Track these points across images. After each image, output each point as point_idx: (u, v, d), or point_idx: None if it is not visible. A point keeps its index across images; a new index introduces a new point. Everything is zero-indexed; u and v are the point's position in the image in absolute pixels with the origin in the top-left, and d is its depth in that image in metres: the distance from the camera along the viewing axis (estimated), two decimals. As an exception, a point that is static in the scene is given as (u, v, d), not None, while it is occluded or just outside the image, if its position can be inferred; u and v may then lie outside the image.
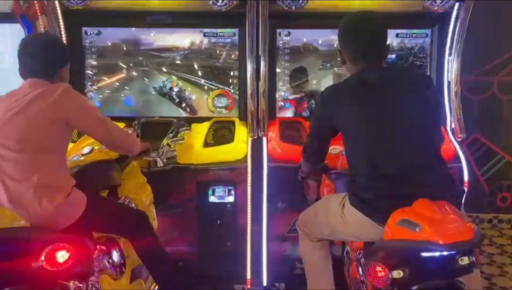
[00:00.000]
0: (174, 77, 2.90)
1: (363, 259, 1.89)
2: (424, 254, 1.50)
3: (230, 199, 2.65)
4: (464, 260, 1.50)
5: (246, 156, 2.61)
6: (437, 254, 1.48)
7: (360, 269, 1.94)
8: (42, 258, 1.49)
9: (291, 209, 2.68)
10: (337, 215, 1.87)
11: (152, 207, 2.45)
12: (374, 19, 1.82)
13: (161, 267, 2.20)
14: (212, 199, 2.65)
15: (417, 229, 1.52)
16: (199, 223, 2.69)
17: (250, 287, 2.67)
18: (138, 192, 2.36)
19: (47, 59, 1.94)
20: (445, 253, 1.48)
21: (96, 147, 2.30)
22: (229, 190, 2.64)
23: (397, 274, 1.50)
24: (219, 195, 2.64)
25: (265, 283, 2.69)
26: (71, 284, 1.59)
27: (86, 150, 2.30)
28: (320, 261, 2.12)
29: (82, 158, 2.25)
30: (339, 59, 1.95)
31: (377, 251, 1.62)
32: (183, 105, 2.91)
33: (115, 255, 2.03)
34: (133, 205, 2.28)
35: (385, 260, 1.54)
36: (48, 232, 1.64)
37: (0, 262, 1.46)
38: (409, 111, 1.74)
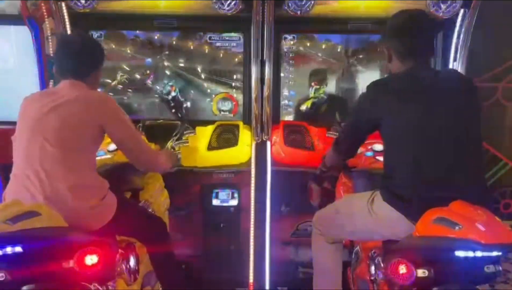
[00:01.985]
0: (174, 82, 2.91)
1: (379, 258, 1.87)
2: (459, 253, 1.46)
3: (234, 202, 2.65)
4: (490, 268, 1.48)
5: (250, 159, 2.62)
6: (477, 254, 1.45)
7: (372, 268, 1.92)
8: (74, 260, 1.50)
9: (294, 213, 2.69)
10: (364, 212, 1.86)
11: (167, 211, 2.46)
12: (426, 18, 1.84)
13: (171, 274, 2.20)
14: (216, 202, 2.65)
15: (457, 228, 1.49)
16: (203, 226, 2.70)
17: (253, 290, 2.67)
18: (157, 197, 2.38)
19: (85, 60, 1.95)
20: (485, 253, 1.45)
21: None
22: (233, 194, 2.65)
23: (422, 273, 1.48)
24: (223, 199, 2.65)
25: (267, 287, 2.69)
26: (92, 286, 1.59)
27: (112, 146, 2.31)
28: (332, 263, 2.11)
29: (109, 155, 2.26)
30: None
31: (404, 248, 1.61)
32: (175, 110, 2.92)
33: (132, 261, 2.03)
34: (151, 209, 2.29)
35: (411, 257, 1.51)
36: (81, 235, 1.63)
37: (35, 260, 1.47)
38: (456, 114, 1.74)
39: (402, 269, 1.50)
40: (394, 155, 1.81)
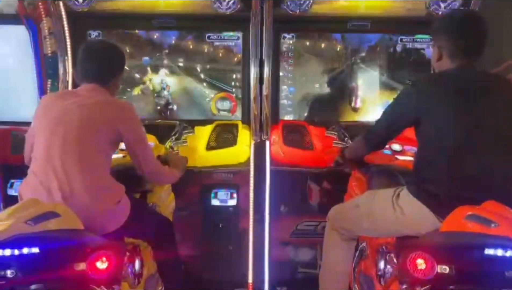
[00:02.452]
0: (169, 82, 2.90)
1: (391, 253, 1.86)
2: (489, 251, 1.40)
3: (233, 202, 2.64)
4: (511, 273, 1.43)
5: (249, 159, 2.61)
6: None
7: (381, 263, 1.91)
8: (86, 263, 1.50)
9: (293, 213, 2.68)
10: (387, 208, 1.85)
11: (171, 214, 2.46)
12: (480, 18, 1.84)
13: (177, 276, 2.21)
14: (215, 202, 2.64)
15: (492, 225, 1.45)
16: (201, 226, 2.69)
17: (252, 291, 2.66)
18: (164, 199, 2.38)
19: (108, 66, 1.97)
20: None
21: None
22: (232, 194, 2.64)
23: (443, 269, 1.44)
24: (222, 198, 2.64)
25: (266, 287, 2.68)
26: (99, 289, 1.59)
27: (123, 145, 2.31)
28: (342, 262, 2.09)
29: (120, 154, 2.25)
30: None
31: (427, 242, 1.59)
32: (161, 109, 2.92)
33: (137, 264, 2.02)
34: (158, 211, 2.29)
35: (434, 252, 1.47)
36: (95, 238, 1.64)
37: (50, 261, 1.47)
38: (497, 116, 1.74)
39: (422, 264, 1.46)
40: (430, 152, 1.80)
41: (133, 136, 1.95)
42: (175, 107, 2.92)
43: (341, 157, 2.26)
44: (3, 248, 1.40)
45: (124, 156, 2.27)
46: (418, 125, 1.82)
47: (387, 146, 2.39)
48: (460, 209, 1.57)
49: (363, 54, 2.91)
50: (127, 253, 1.94)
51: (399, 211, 1.82)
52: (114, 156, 2.20)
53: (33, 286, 1.45)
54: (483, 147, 1.72)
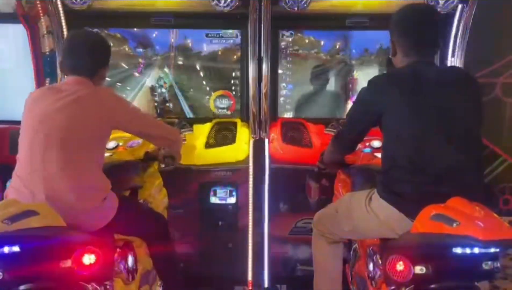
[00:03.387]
0: (167, 80, 2.89)
1: (377, 255, 1.87)
2: (457, 250, 1.44)
3: (232, 200, 2.65)
4: (489, 265, 1.46)
5: (247, 157, 2.61)
6: (475, 250, 1.43)
7: (370, 265, 1.92)
8: (71, 259, 1.50)
9: (292, 210, 2.68)
10: (362, 210, 1.86)
11: (165, 210, 2.45)
12: (432, 13, 1.83)
13: (172, 271, 2.21)
14: (214, 200, 2.65)
15: (454, 225, 1.47)
16: (201, 224, 2.69)
17: (251, 288, 2.66)
18: (156, 195, 2.38)
19: (93, 58, 1.94)
20: (483, 250, 1.43)
21: (120, 143, 2.32)
22: (231, 191, 2.64)
23: (420, 269, 1.46)
24: (221, 196, 2.64)
25: (266, 285, 2.68)
26: (90, 286, 1.59)
27: (111, 144, 2.32)
28: (332, 264, 2.11)
29: (108, 153, 2.24)
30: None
31: (401, 245, 1.60)
32: (159, 106, 2.91)
33: (130, 260, 2.02)
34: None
35: (409, 254, 1.50)
36: (79, 234, 1.63)
37: (33, 259, 1.47)
38: (458, 111, 1.73)
39: (400, 266, 1.49)
40: (392, 151, 1.80)
41: (131, 116, 1.95)
42: (171, 105, 2.91)
43: (320, 162, 2.27)
44: None
45: (111, 155, 2.27)
46: (380, 124, 1.82)
47: (366, 144, 2.40)
48: (427, 209, 1.58)
49: (362, 51, 2.90)
50: (118, 249, 1.93)
51: (373, 214, 1.83)
52: None
53: (22, 287, 1.45)
54: (444, 142, 1.71)
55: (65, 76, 1.97)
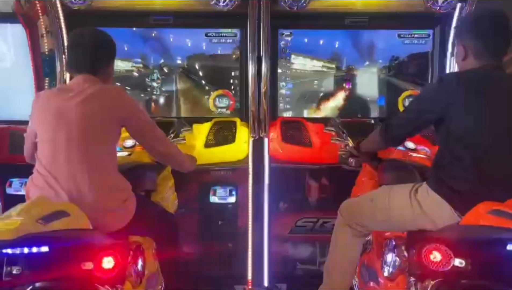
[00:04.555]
0: (167, 80, 2.88)
1: (402, 246, 1.88)
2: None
3: (232, 199, 2.65)
4: None
5: (247, 156, 2.61)
6: None
7: (389, 256, 1.93)
8: (93, 262, 1.51)
9: (292, 209, 2.68)
10: (403, 201, 1.86)
11: (175, 213, 2.45)
12: (507, 19, 1.84)
13: (175, 272, 2.22)
14: (213, 199, 2.65)
15: None
16: (200, 224, 2.70)
17: (251, 287, 2.67)
18: (168, 198, 2.38)
19: (98, 55, 1.93)
20: None
21: (137, 143, 2.30)
22: (230, 191, 2.64)
23: (459, 262, 1.43)
24: (221, 196, 2.65)
25: (266, 284, 2.69)
26: (103, 288, 1.59)
27: (129, 142, 2.31)
28: (351, 258, 2.09)
29: (126, 152, 2.25)
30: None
31: (445, 234, 1.58)
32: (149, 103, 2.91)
33: (140, 263, 2.01)
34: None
35: (452, 245, 1.46)
36: (103, 238, 1.65)
37: (57, 260, 1.47)
38: None
39: (437, 257, 1.45)
40: (455, 150, 1.79)
41: (139, 116, 1.94)
42: (162, 101, 2.90)
43: (356, 150, 2.26)
44: (14, 247, 1.41)
45: (129, 154, 2.27)
46: (441, 123, 1.82)
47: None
48: (483, 205, 1.57)
49: (361, 50, 2.90)
50: (131, 253, 1.94)
51: (416, 205, 1.83)
52: (119, 154, 2.19)
53: (37, 284, 1.46)
54: (507, 147, 1.73)
55: (69, 76, 1.97)
